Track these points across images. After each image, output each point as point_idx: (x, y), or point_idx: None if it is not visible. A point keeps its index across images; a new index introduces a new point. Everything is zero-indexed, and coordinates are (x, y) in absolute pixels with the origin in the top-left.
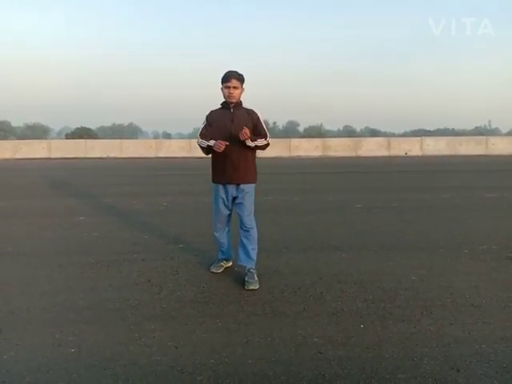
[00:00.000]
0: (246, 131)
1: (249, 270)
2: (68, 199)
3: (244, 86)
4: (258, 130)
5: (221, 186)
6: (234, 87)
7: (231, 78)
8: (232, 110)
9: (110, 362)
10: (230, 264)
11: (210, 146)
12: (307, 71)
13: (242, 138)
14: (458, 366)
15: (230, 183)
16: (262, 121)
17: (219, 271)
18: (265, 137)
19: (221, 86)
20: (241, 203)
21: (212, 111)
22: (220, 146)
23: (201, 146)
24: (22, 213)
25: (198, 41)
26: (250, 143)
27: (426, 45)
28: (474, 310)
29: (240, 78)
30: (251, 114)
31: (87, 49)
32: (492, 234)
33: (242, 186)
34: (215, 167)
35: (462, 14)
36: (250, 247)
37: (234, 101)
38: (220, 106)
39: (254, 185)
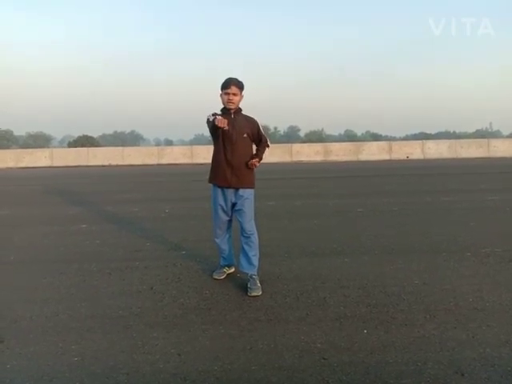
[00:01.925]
0: (256, 164)
1: (251, 277)
2: (70, 207)
3: (243, 93)
4: (259, 138)
5: (219, 192)
6: (234, 94)
7: (231, 85)
8: (233, 116)
9: (113, 370)
10: (233, 270)
11: (215, 118)
12: (307, 75)
13: (251, 168)
14: (462, 370)
15: (229, 187)
16: (261, 128)
17: (222, 278)
18: (265, 143)
19: (220, 92)
20: (241, 209)
21: (215, 113)
22: (222, 120)
23: (208, 120)
24: (25, 221)
25: (198, 47)
26: (258, 164)
27: (426, 45)
28: (477, 313)
29: (239, 85)
30: (252, 121)
31: (88, 56)
32: (495, 236)
33: (240, 191)
34: (215, 169)
35: (461, 14)
36: (251, 253)
37: (232, 107)
38: (220, 113)
39: (252, 190)
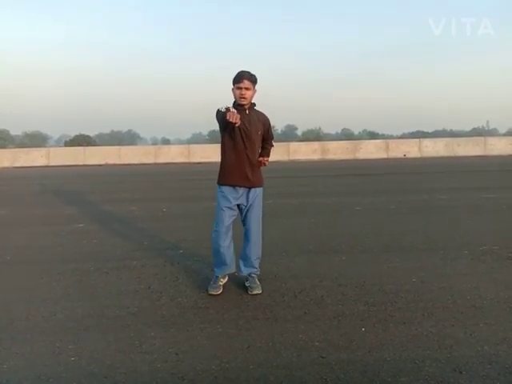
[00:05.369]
0: (265, 162)
1: (250, 275)
2: (67, 207)
3: (256, 87)
4: (268, 135)
5: (229, 192)
6: (246, 88)
7: (243, 79)
8: (248, 112)
9: (111, 369)
10: (227, 278)
11: (226, 111)
12: (305, 74)
13: (261, 166)
14: (460, 367)
15: (244, 186)
16: (271, 125)
17: (219, 293)
18: (271, 140)
19: (232, 86)
20: (251, 208)
21: (228, 107)
22: (234, 115)
23: (218, 111)
24: (21, 221)
25: (197, 47)
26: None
27: (425, 45)
28: (475, 311)
29: (252, 79)
30: (264, 118)
31: (86, 57)
32: (492, 234)
33: (253, 190)
34: (229, 168)
35: (461, 14)
36: (254, 257)
37: (245, 102)
38: (231, 107)
39: (262, 188)
